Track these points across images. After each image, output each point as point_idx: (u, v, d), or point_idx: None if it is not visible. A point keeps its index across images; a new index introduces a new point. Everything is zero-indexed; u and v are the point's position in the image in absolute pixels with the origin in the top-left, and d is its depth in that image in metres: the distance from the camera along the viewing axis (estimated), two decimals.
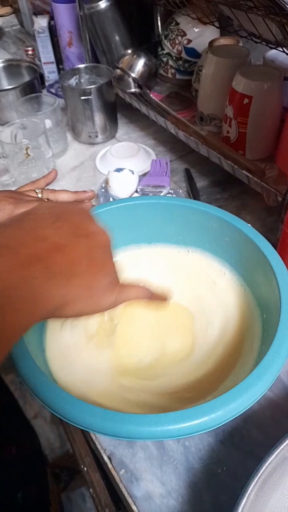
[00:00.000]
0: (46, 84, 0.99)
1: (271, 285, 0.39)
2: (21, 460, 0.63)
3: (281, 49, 0.55)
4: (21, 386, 1.17)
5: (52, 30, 0.95)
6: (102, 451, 0.40)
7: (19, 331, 0.25)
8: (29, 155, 0.69)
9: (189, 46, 0.80)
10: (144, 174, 0.70)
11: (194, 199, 0.65)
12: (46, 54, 0.97)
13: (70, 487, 1.01)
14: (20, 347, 0.35)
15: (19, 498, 0.53)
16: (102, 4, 0.78)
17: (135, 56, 0.81)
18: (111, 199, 0.63)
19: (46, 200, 0.51)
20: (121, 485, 0.38)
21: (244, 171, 0.58)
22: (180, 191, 0.67)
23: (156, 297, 0.38)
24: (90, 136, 0.80)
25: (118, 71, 0.81)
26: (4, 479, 0.53)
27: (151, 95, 0.77)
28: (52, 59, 0.98)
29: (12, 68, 0.95)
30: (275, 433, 0.38)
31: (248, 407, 0.31)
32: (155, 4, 0.84)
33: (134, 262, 0.51)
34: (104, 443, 0.40)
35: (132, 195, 0.64)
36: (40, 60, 0.98)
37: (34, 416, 1.19)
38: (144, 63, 0.81)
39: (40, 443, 0.76)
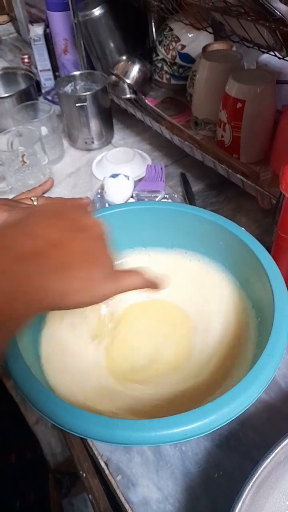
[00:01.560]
0: (43, 91, 1.00)
1: (265, 288, 0.39)
2: (21, 469, 0.62)
3: (273, 53, 0.55)
4: None
5: (48, 38, 0.95)
6: (99, 457, 0.40)
7: (15, 325, 0.26)
8: (25, 162, 0.69)
9: (183, 51, 0.80)
10: (140, 179, 0.70)
11: (190, 203, 0.65)
12: (42, 62, 0.98)
13: (72, 493, 1.01)
14: (13, 350, 0.35)
15: (16, 507, 0.53)
16: (96, 12, 0.78)
17: (129, 62, 0.82)
18: (107, 205, 0.64)
19: None
20: (118, 491, 0.38)
21: (238, 175, 0.58)
22: (176, 195, 0.67)
23: (152, 285, 0.37)
24: (86, 142, 0.80)
25: (113, 77, 0.81)
26: (1, 488, 0.53)
27: (146, 101, 0.77)
28: (48, 66, 0.99)
29: (8, 75, 0.96)
30: (272, 436, 0.38)
31: (242, 411, 0.31)
32: (149, 11, 0.85)
33: (128, 267, 0.51)
34: (100, 449, 0.40)
35: (127, 200, 0.65)
36: (36, 68, 0.99)
37: (35, 422, 1.19)
38: (139, 69, 0.81)
39: (43, 450, 0.76)
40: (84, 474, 0.50)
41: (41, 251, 0.27)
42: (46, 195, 0.55)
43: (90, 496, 0.50)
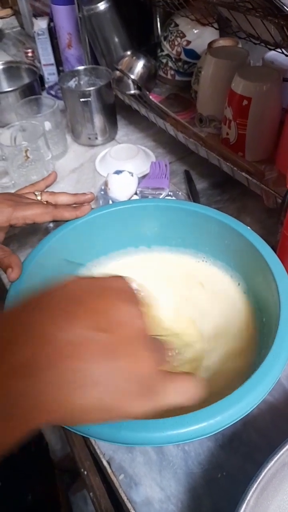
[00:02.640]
0: (46, 86, 0.99)
1: (270, 288, 0.39)
2: (26, 462, 0.63)
3: (280, 50, 0.55)
4: None
5: (52, 32, 0.95)
6: (101, 456, 0.40)
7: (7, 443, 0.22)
8: (28, 157, 0.69)
9: (189, 47, 0.79)
10: (144, 176, 0.69)
11: (194, 201, 0.65)
12: (45, 56, 0.97)
13: (72, 490, 1.01)
14: None
15: (29, 500, 0.53)
16: (101, 6, 0.78)
17: (134, 57, 0.81)
18: (110, 202, 0.63)
19: (45, 202, 0.50)
20: (120, 490, 0.37)
21: (243, 173, 0.58)
22: (180, 193, 0.67)
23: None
24: (89, 138, 0.80)
25: (118, 72, 0.80)
26: (13, 482, 0.53)
27: (150, 97, 0.76)
28: (52, 61, 0.98)
29: (12, 70, 0.95)
30: (275, 438, 0.38)
31: (248, 412, 0.31)
32: (154, 6, 0.84)
33: (132, 266, 0.50)
34: (103, 448, 0.40)
35: (131, 197, 0.64)
36: (40, 62, 0.98)
37: None
38: (144, 65, 0.81)
39: (48, 445, 0.76)
40: (86, 472, 0.50)
41: (43, 364, 0.22)
42: (49, 189, 0.55)
43: (91, 494, 0.50)
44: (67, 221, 0.48)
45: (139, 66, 0.81)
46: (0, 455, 0.22)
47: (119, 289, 0.26)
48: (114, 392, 0.23)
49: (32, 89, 0.85)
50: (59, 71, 1.00)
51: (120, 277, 0.27)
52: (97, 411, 0.23)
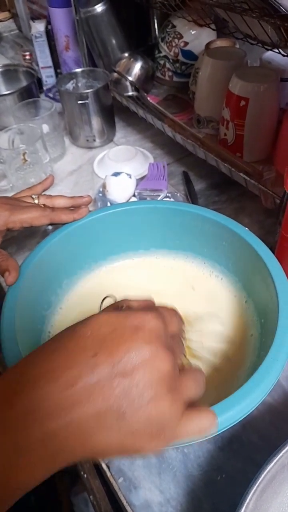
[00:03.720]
0: (44, 88, 0.99)
1: (269, 289, 0.39)
2: None
3: (277, 50, 0.55)
4: None
5: (49, 35, 0.95)
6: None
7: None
8: (26, 160, 0.69)
9: (186, 48, 0.80)
10: (142, 178, 0.69)
11: (192, 202, 0.65)
12: (43, 59, 0.97)
13: (73, 492, 1.01)
14: (13, 351, 0.35)
15: (32, 501, 0.53)
16: (98, 8, 0.78)
17: (132, 59, 0.81)
18: (108, 204, 0.63)
19: (42, 206, 0.50)
20: (119, 493, 0.37)
21: (241, 174, 0.58)
22: (178, 194, 0.66)
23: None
24: (87, 140, 0.80)
25: (115, 74, 0.80)
26: None
27: (148, 98, 0.76)
28: (50, 63, 0.98)
29: (9, 73, 0.95)
30: (274, 439, 0.38)
31: (247, 414, 0.31)
32: (151, 7, 0.84)
33: (130, 268, 0.50)
34: None
35: (129, 199, 0.64)
36: (37, 65, 0.98)
37: None
38: (141, 66, 0.81)
39: None
40: (85, 475, 0.49)
41: (72, 406, 0.22)
42: (47, 192, 0.55)
43: (91, 497, 0.49)
44: (65, 224, 0.48)
45: (137, 67, 0.81)
46: (24, 492, 0.23)
47: (151, 330, 0.25)
48: (133, 434, 0.24)
49: (30, 91, 0.85)
50: (57, 74, 1.00)
51: (171, 309, 0.29)
52: (115, 450, 0.24)
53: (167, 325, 0.27)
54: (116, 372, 0.23)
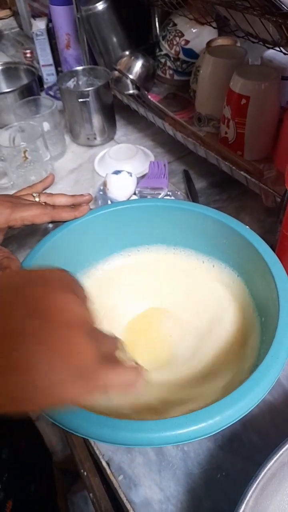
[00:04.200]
0: (45, 86, 0.99)
1: (269, 287, 0.39)
2: (31, 454, 0.64)
3: (278, 48, 0.54)
4: None
5: (50, 33, 0.94)
6: (100, 457, 0.39)
7: None
8: (27, 158, 0.69)
9: (187, 46, 0.79)
10: (143, 176, 0.69)
11: (193, 200, 0.65)
12: (44, 57, 0.97)
13: (72, 490, 1.01)
14: None
15: (32, 490, 0.54)
16: (99, 6, 0.77)
17: (132, 57, 0.81)
18: (109, 202, 0.63)
19: (43, 204, 0.50)
20: (119, 491, 0.37)
21: (242, 172, 0.58)
22: (179, 192, 0.66)
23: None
24: (88, 138, 0.79)
25: (116, 72, 0.80)
26: (19, 472, 0.54)
27: (149, 97, 0.76)
28: (51, 61, 0.98)
29: (10, 70, 0.95)
30: (274, 438, 0.38)
31: (247, 412, 0.31)
32: (152, 5, 0.84)
33: (131, 266, 0.50)
34: (102, 449, 0.40)
35: (130, 197, 0.64)
36: (38, 63, 0.98)
37: (35, 419, 1.19)
38: (142, 65, 0.81)
39: (44, 439, 0.77)
40: (85, 473, 0.50)
41: None
42: (47, 191, 0.55)
43: (91, 495, 0.50)
44: (65, 222, 0.48)
45: (138, 66, 0.81)
46: None
47: (59, 279, 0.26)
48: (47, 378, 0.23)
49: (31, 89, 0.85)
50: (57, 72, 1.00)
51: (63, 270, 0.28)
52: (31, 397, 0.23)
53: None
54: (30, 315, 0.23)
